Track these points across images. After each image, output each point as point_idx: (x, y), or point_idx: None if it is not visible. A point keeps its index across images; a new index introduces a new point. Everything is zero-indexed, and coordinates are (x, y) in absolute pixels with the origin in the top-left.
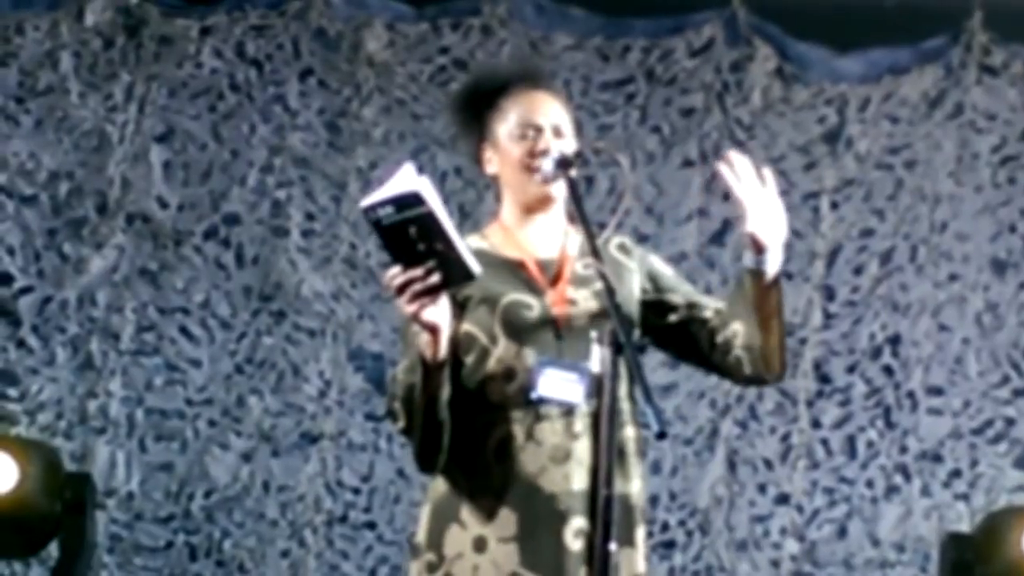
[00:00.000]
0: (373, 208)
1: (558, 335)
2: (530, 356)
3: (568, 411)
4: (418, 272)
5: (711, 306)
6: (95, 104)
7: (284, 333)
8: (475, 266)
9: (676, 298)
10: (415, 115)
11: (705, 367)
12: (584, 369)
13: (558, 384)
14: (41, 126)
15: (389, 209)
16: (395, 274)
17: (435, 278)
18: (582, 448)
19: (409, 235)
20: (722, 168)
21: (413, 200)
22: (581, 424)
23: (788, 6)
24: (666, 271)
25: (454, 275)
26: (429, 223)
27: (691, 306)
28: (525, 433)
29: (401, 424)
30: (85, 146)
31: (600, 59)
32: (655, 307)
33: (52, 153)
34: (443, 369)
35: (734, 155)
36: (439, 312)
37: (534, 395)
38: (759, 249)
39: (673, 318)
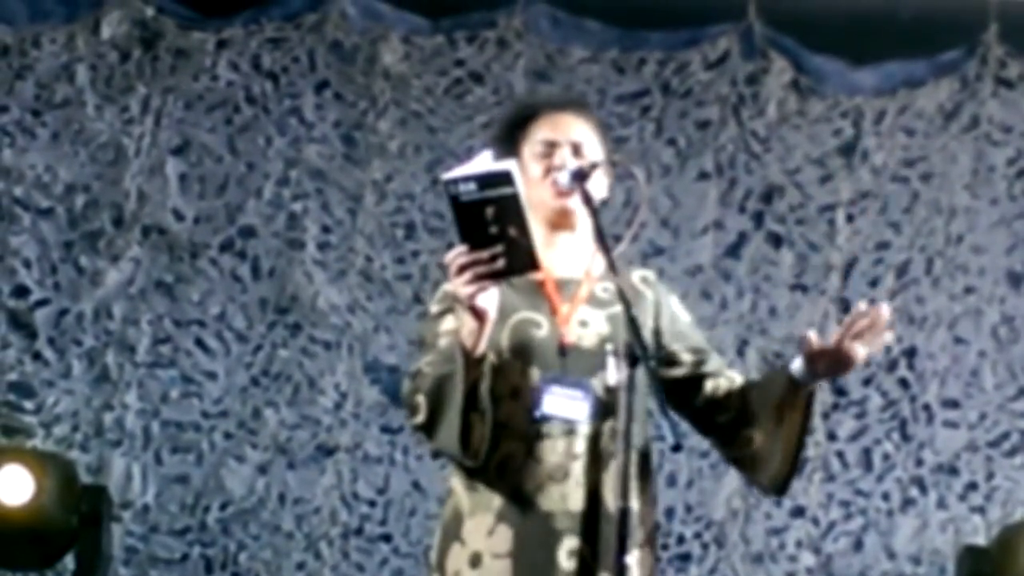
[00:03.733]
0: (455, 182)
1: (562, 353)
2: (535, 375)
3: (570, 431)
4: (484, 255)
5: (719, 368)
6: (111, 117)
7: (300, 345)
8: (540, 257)
9: (684, 355)
10: (431, 127)
11: (692, 419)
12: (588, 387)
13: (562, 402)
14: (57, 139)
15: (472, 185)
16: (461, 253)
17: (500, 263)
18: (581, 468)
19: (485, 215)
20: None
21: (503, 179)
22: (582, 444)
23: (804, 19)
24: (682, 316)
25: (518, 263)
26: (511, 205)
27: (697, 363)
28: (526, 451)
29: (420, 418)
30: (101, 159)
31: (616, 72)
32: (663, 359)
33: (68, 166)
34: (483, 362)
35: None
36: (490, 300)
37: (538, 413)
38: (816, 370)
39: (678, 373)
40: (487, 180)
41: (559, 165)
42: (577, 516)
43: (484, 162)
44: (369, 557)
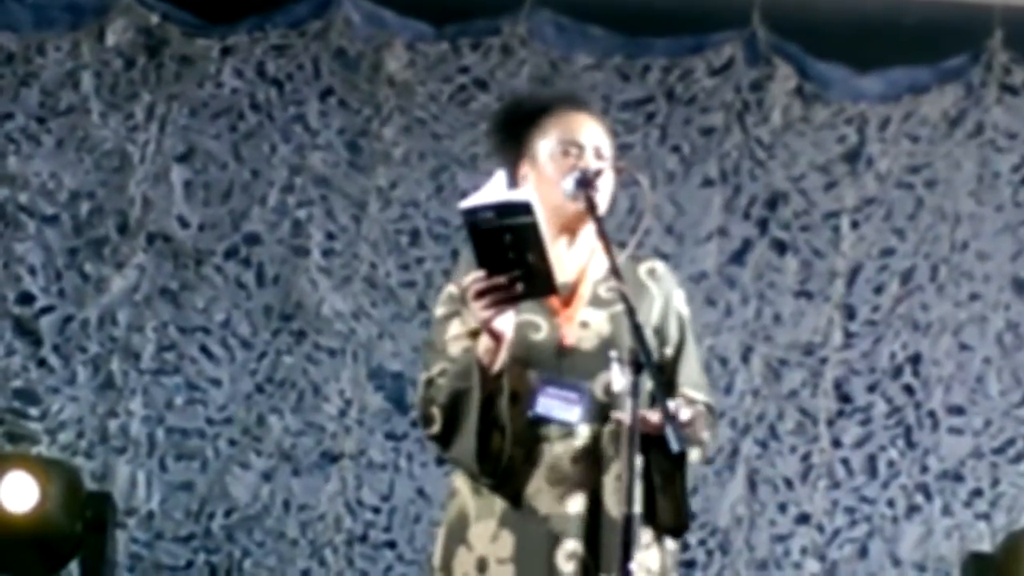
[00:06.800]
0: (474, 211)
1: (559, 355)
2: (532, 377)
3: (568, 433)
4: (502, 280)
5: (688, 392)
6: (116, 124)
7: (304, 352)
8: (557, 282)
9: (667, 356)
10: (435, 134)
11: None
12: (584, 389)
13: (556, 403)
14: (62, 146)
15: (490, 214)
16: (479, 278)
17: (518, 288)
18: (579, 472)
19: (503, 242)
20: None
21: (522, 209)
22: (580, 448)
23: (808, 25)
24: (684, 321)
25: (536, 288)
26: (529, 234)
27: (671, 378)
28: (525, 454)
29: (435, 429)
30: (106, 166)
31: (620, 78)
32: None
33: (73, 173)
34: (501, 378)
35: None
36: (507, 322)
37: (531, 413)
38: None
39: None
40: (506, 209)
41: (585, 167)
42: (576, 519)
43: (499, 185)
44: (373, 564)
